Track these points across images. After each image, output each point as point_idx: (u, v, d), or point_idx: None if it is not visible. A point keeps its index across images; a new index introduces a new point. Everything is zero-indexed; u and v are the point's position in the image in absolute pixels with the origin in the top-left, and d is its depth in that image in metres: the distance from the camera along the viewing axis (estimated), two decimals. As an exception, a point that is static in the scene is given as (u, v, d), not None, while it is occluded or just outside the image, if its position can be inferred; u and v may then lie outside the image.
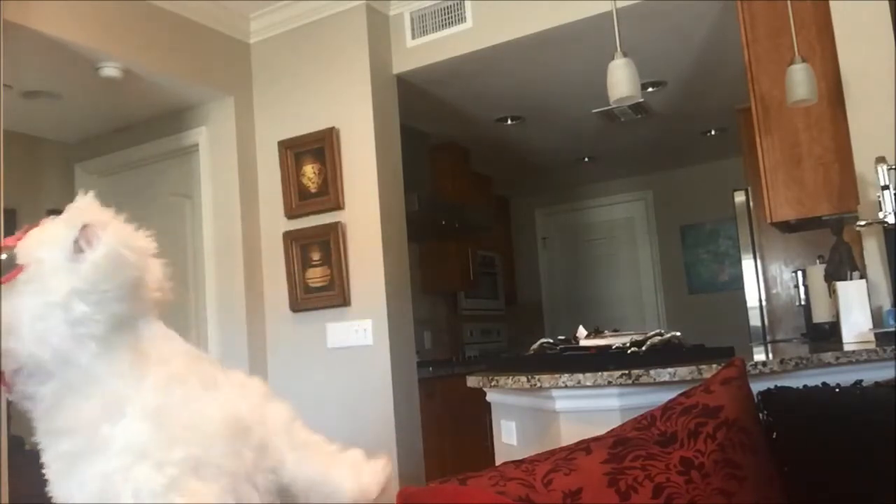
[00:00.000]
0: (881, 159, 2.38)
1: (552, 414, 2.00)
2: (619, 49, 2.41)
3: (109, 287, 0.77)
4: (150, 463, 0.76)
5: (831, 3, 2.77)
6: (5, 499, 2.67)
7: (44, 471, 0.82)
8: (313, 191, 3.76)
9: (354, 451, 0.98)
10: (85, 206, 0.82)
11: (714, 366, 1.80)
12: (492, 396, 2.36)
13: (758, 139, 3.00)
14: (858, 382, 1.73)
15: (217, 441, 0.80)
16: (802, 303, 3.70)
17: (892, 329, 2.31)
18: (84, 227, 0.79)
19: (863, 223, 2.52)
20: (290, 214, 3.80)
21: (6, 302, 0.77)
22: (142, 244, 0.84)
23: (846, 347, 2.21)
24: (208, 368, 0.88)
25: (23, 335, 0.77)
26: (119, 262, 0.78)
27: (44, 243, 0.79)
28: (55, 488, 0.81)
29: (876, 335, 2.34)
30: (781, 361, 1.92)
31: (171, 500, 0.75)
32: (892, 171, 2.37)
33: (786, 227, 3.25)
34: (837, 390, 1.71)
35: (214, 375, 0.87)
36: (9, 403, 2.91)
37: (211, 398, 0.84)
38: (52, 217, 0.81)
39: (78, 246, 0.78)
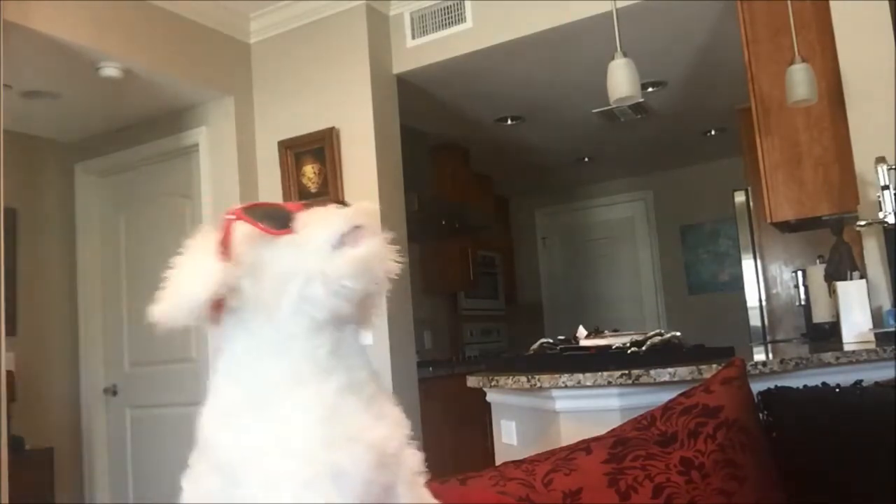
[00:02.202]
0: (881, 159, 2.38)
1: (552, 414, 2.00)
2: (619, 49, 2.42)
3: (349, 285, 0.84)
4: (302, 453, 0.81)
5: (831, 3, 2.77)
6: (5, 499, 2.67)
7: (202, 410, 0.87)
8: (313, 191, 3.76)
9: None
10: (369, 211, 0.89)
11: (714, 366, 1.80)
12: (492, 396, 2.36)
13: (758, 139, 3.01)
14: (858, 382, 1.73)
15: (364, 464, 0.83)
16: (802, 303, 3.71)
17: (892, 329, 2.31)
18: (357, 227, 0.86)
19: (863, 223, 2.52)
20: (290, 214, 3.79)
21: (264, 249, 0.85)
22: (392, 266, 0.89)
23: (846, 347, 2.22)
24: (382, 393, 0.93)
25: (263, 283, 0.85)
26: (367, 268, 0.85)
27: (319, 222, 0.86)
28: (205, 431, 0.87)
29: (876, 335, 2.34)
30: (781, 361, 1.92)
31: (306, 497, 0.78)
32: (892, 171, 2.37)
33: (786, 227, 3.25)
34: (837, 390, 1.70)
35: (383, 402, 0.92)
36: (9, 403, 2.91)
37: (374, 420, 0.88)
38: (338, 205, 0.89)
39: (344, 240, 0.85)
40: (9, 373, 3.58)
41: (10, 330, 3.61)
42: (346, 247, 0.85)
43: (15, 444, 3.24)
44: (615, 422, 1.57)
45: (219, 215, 0.90)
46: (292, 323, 0.86)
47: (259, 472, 0.81)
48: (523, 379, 1.99)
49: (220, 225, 0.88)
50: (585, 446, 1.35)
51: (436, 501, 0.98)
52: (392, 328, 3.55)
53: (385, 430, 0.88)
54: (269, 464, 0.81)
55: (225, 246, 0.86)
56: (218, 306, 0.87)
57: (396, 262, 0.89)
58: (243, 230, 0.87)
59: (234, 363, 0.89)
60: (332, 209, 0.89)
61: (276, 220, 0.87)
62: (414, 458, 0.93)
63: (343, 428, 0.84)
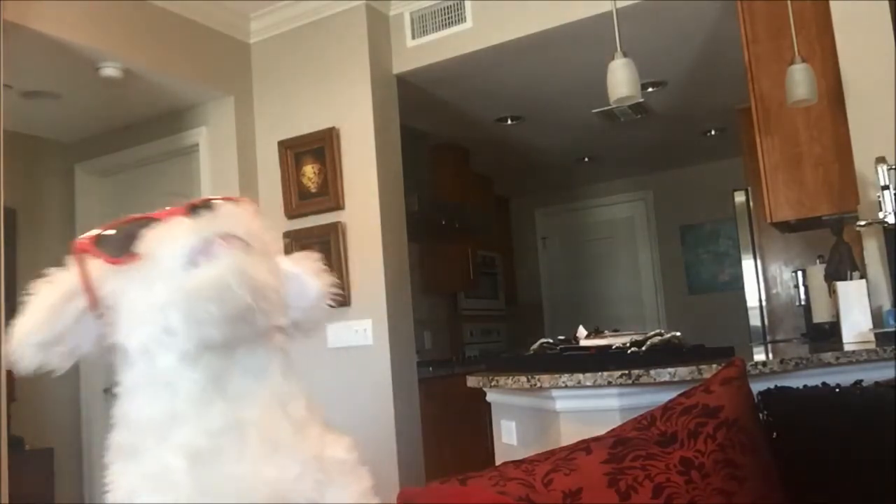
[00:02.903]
0: (881, 159, 2.38)
1: (552, 414, 2.00)
2: (619, 49, 2.41)
3: (210, 310, 0.73)
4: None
5: (831, 3, 2.77)
6: (5, 499, 2.67)
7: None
8: (313, 191, 3.76)
9: None
10: (228, 215, 0.76)
11: (714, 366, 1.80)
12: (492, 396, 2.36)
13: (758, 139, 3.00)
14: (858, 382, 1.73)
15: None
16: (802, 303, 3.70)
17: (892, 329, 2.31)
18: (208, 239, 0.74)
19: (863, 223, 2.52)
20: (290, 214, 3.80)
21: (115, 280, 0.76)
22: (263, 278, 0.75)
23: (846, 347, 2.21)
24: (291, 423, 0.79)
25: (122, 316, 0.77)
26: (226, 289, 0.73)
27: (165, 241, 0.75)
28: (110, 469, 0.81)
29: (876, 335, 2.34)
30: (781, 361, 1.92)
31: None
32: (892, 171, 2.37)
33: (786, 227, 3.25)
34: (837, 390, 1.70)
35: (288, 434, 0.79)
36: (9, 403, 2.91)
37: (265, 459, 0.76)
38: (195, 211, 0.77)
39: (195, 258, 0.74)
40: (9, 373, 3.58)
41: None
42: (200, 265, 0.74)
43: (15, 444, 3.24)
44: (615, 422, 1.57)
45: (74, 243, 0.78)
46: (164, 357, 0.76)
47: None
48: (523, 379, 1.99)
49: (75, 256, 0.78)
50: (585, 446, 1.35)
51: None
52: (392, 328, 3.55)
53: (274, 471, 0.77)
54: None
55: (84, 280, 0.76)
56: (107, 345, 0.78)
57: (262, 275, 0.75)
58: (94, 263, 0.78)
59: (118, 404, 0.82)
60: (180, 222, 0.77)
61: (122, 244, 0.77)
62: (349, 490, 0.83)
63: (220, 474, 0.75)
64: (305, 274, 0.93)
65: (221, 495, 0.73)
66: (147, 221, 0.79)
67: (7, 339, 0.76)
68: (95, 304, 0.77)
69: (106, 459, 0.81)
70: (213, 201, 0.80)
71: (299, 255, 0.93)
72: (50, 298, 0.76)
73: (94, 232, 0.80)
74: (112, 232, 0.79)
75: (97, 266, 0.77)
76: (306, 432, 0.82)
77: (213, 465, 0.75)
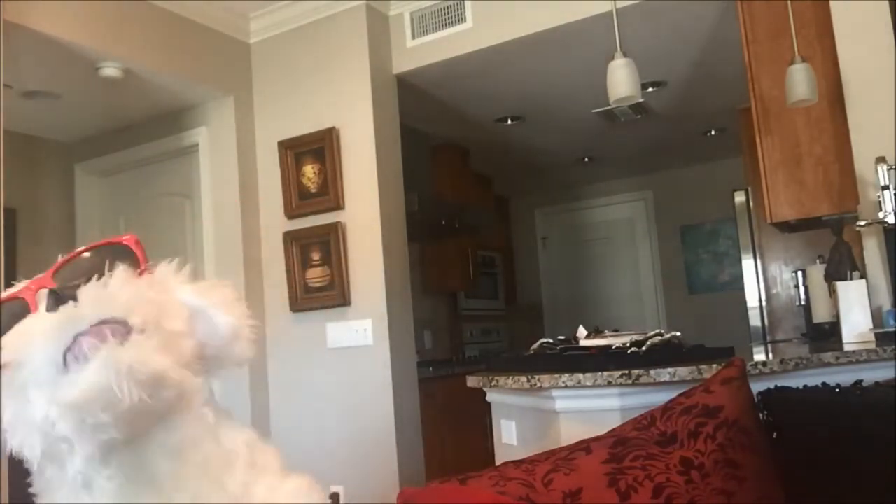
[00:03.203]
0: (881, 159, 2.38)
1: (552, 414, 2.00)
2: (619, 49, 2.42)
3: (98, 419, 0.62)
4: None
5: (831, 3, 2.77)
6: (5, 499, 2.67)
7: None
8: (313, 191, 3.76)
9: None
10: (95, 298, 0.64)
11: (714, 366, 1.80)
12: (492, 396, 2.36)
13: (758, 139, 3.00)
14: (858, 382, 1.73)
15: None
16: (802, 303, 3.71)
17: (892, 329, 2.31)
18: (78, 337, 0.63)
19: (863, 223, 2.52)
20: (290, 214, 3.80)
21: None
22: (153, 365, 0.64)
23: (846, 347, 2.21)
24: (225, 498, 0.71)
25: (7, 428, 0.66)
26: (108, 395, 0.62)
27: (30, 342, 0.64)
28: None
29: (876, 335, 2.34)
30: (781, 361, 1.92)
31: None
32: (892, 171, 2.37)
33: (786, 227, 3.25)
34: (837, 390, 1.70)
35: None
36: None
37: None
38: (56, 298, 0.65)
39: (64, 362, 0.63)
40: (9, 373, 3.58)
41: (10, 330, 3.61)
42: (73, 367, 0.63)
43: (15, 444, 3.23)
44: (615, 422, 1.57)
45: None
46: (69, 462, 0.67)
47: None
48: (523, 379, 1.99)
49: None
50: (585, 446, 1.35)
51: None
52: (392, 328, 3.55)
53: None
54: None
55: None
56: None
57: (165, 347, 0.65)
58: None
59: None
60: (40, 318, 0.66)
61: None
62: None
63: None
64: (212, 308, 0.78)
65: None
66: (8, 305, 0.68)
67: None
68: None
69: None
70: (78, 284, 0.67)
71: (205, 286, 0.79)
72: None
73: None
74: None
75: None
76: (251, 491, 0.73)
77: None
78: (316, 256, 3.71)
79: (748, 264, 4.54)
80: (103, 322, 0.64)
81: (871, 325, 2.40)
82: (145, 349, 0.64)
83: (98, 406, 0.61)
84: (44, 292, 0.68)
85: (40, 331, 0.64)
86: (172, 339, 0.67)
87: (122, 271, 0.68)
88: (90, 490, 0.68)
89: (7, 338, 0.65)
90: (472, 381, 2.31)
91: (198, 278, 0.80)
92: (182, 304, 0.74)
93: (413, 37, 3.87)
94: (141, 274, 0.74)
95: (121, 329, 0.64)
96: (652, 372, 1.86)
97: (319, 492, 0.77)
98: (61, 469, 0.68)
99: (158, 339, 0.66)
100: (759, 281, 4.49)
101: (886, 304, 2.53)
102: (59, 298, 0.66)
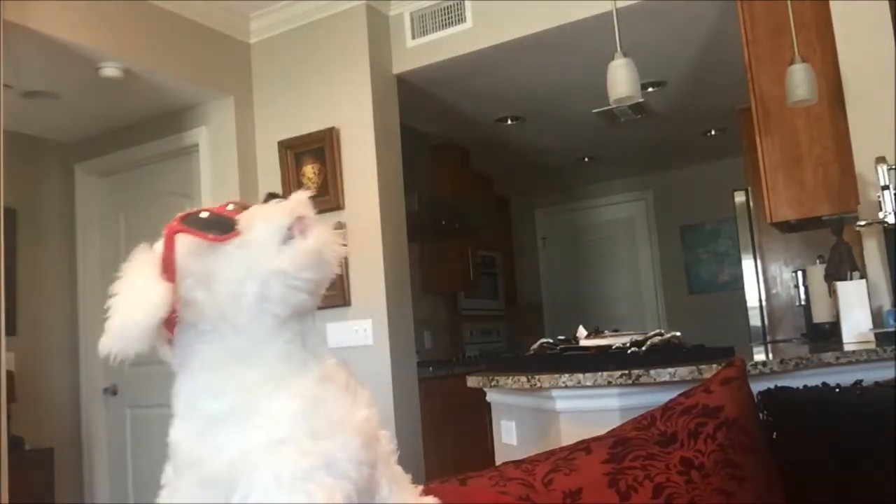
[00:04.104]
0: (881, 159, 2.38)
1: (552, 414, 2.00)
2: (619, 49, 2.42)
3: (307, 277, 0.84)
4: (295, 447, 0.80)
5: (831, 3, 2.77)
6: (5, 499, 2.67)
7: (172, 430, 0.87)
8: (313, 191, 3.75)
9: (430, 498, 1.03)
10: (304, 201, 0.88)
11: (714, 366, 1.80)
12: (492, 396, 2.36)
13: (758, 139, 3.00)
14: (858, 382, 1.73)
15: (352, 448, 0.84)
16: (802, 303, 3.70)
17: (892, 329, 2.31)
18: (300, 217, 0.85)
19: (863, 223, 2.52)
20: (290, 214, 3.79)
21: (212, 258, 0.84)
22: (341, 249, 0.88)
23: (846, 347, 2.22)
24: (352, 377, 0.94)
25: (217, 291, 0.83)
26: (322, 258, 0.85)
27: (263, 219, 0.85)
28: (185, 448, 0.85)
29: (876, 335, 2.34)
30: (781, 361, 1.92)
31: (307, 488, 0.79)
32: (892, 171, 2.37)
33: (786, 227, 3.25)
34: (837, 390, 1.70)
35: (356, 385, 0.93)
36: (9, 403, 2.91)
37: (353, 403, 0.89)
38: (274, 200, 0.89)
39: (290, 233, 0.84)
40: (9, 373, 3.58)
41: (10, 330, 3.61)
42: (293, 240, 0.85)
43: (15, 444, 3.24)
44: (615, 422, 1.57)
45: (160, 230, 0.88)
46: (256, 325, 0.85)
47: (253, 476, 0.80)
48: (523, 379, 1.99)
49: (163, 240, 0.86)
50: (585, 446, 1.35)
51: (407, 475, 0.99)
52: (392, 328, 3.55)
53: (365, 412, 0.89)
54: (262, 465, 0.80)
55: (168, 263, 0.84)
56: (170, 323, 0.84)
57: (343, 245, 0.89)
58: (185, 242, 0.86)
59: (203, 377, 0.87)
60: (270, 205, 0.89)
61: (219, 225, 0.85)
62: (386, 438, 0.95)
63: (327, 417, 0.85)
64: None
65: (335, 437, 0.83)
66: (223, 213, 0.89)
67: (106, 327, 0.80)
68: (175, 282, 0.84)
69: (188, 431, 0.85)
70: (277, 192, 0.93)
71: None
72: (148, 284, 0.83)
73: (183, 213, 0.88)
74: (205, 214, 0.87)
75: (192, 245, 0.85)
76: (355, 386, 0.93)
77: (321, 412, 0.85)
78: (316, 256, 3.70)
79: (748, 264, 4.54)
80: (310, 216, 0.87)
81: (871, 325, 2.40)
82: (336, 237, 0.87)
83: (311, 267, 0.83)
84: (263, 194, 0.92)
85: (273, 212, 0.86)
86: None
87: (306, 197, 0.90)
88: (264, 357, 0.85)
89: (243, 215, 0.86)
90: (472, 381, 2.31)
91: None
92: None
93: (413, 37, 3.87)
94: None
95: (323, 223, 0.87)
96: (652, 372, 1.86)
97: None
98: (239, 337, 0.84)
99: (336, 238, 0.89)
100: (759, 281, 4.49)
101: (886, 304, 2.53)
102: (272, 195, 0.90)
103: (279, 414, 0.83)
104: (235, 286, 0.84)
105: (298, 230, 0.85)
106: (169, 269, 0.84)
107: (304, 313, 0.89)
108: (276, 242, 0.84)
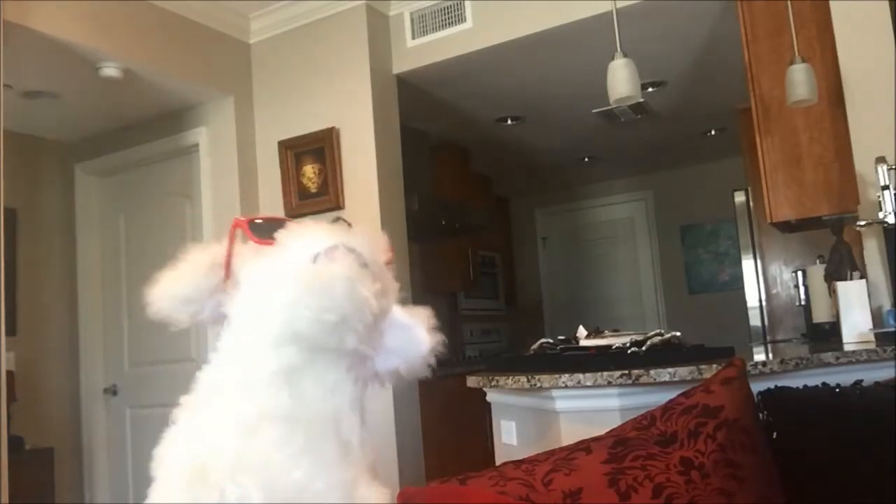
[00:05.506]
0: (881, 159, 2.38)
1: (552, 414, 2.00)
2: (619, 49, 2.41)
3: (306, 305, 0.81)
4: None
5: (831, 3, 2.77)
6: (5, 499, 2.67)
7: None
8: (313, 191, 3.76)
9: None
10: (358, 236, 0.88)
11: (714, 366, 1.80)
12: (492, 396, 2.36)
13: (758, 139, 3.00)
14: (858, 382, 1.73)
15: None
16: (802, 303, 3.70)
17: (892, 329, 2.31)
18: (334, 246, 0.85)
19: (863, 223, 2.52)
20: (290, 214, 3.79)
21: (251, 259, 0.88)
22: (366, 296, 0.84)
23: (846, 347, 2.21)
24: (333, 448, 0.91)
25: (238, 291, 0.89)
26: (328, 290, 0.82)
27: (299, 236, 0.88)
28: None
29: (876, 335, 2.34)
30: (781, 361, 1.92)
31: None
32: (892, 171, 2.37)
33: (786, 227, 3.25)
34: (837, 390, 1.70)
35: (334, 457, 0.91)
36: (9, 403, 2.91)
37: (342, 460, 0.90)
38: (339, 221, 0.92)
39: (317, 256, 0.85)
40: (9, 373, 3.58)
41: (10, 330, 3.61)
42: (319, 262, 0.86)
43: (15, 444, 3.24)
44: (615, 422, 1.57)
45: (227, 220, 0.95)
46: (252, 336, 0.87)
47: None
48: (523, 379, 1.99)
49: (229, 232, 0.92)
50: (585, 446, 1.35)
51: None
52: (392, 328, 3.55)
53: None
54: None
55: (230, 254, 0.91)
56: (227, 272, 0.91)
57: (368, 292, 0.85)
58: (241, 238, 0.92)
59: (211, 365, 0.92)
60: (317, 226, 0.91)
61: (265, 230, 0.90)
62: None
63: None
64: (419, 327, 0.99)
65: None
66: (281, 220, 0.94)
67: (151, 292, 0.89)
68: (228, 276, 0.90)
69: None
70: (353, 225, 0.96)
71: (415, 309, 1.01)
72: (201, 262, 0.89)
73: (248, 216, 0.94)
74: (260, 220, 0.93)
75: (242, 244, 0.91)
76: (348, 459, 0.88)
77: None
78: (316, 256, 3.70)
79: (748, 264, 4.54)
80: (353, 251, 0.87)
81: (871, 325, 2.40)
82: (370, 286, 0.85)
83: (316, 293, 0.81)
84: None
85: (312, 231, 0.88)
86: (381, 302, 0.88)
87: (386, 244, 0.95)
88: (249, 364, 0.87)
89: (289, 227, 0.90)
90: (472, 381, 2.31)
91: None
92: (393, 280, 0.96)
93: (413, 37, 3.87)
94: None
95: (361, 262, 0.87)
96: (652, 372, 1.86)
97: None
98: (238, 341, 0.86)
99: (377, 291, 0.86)
100: (759, 281, 4.49)
101: (886, 304, 2.53)
102: (336, 221, 0.98)
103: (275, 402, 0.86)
104: (252, 290, 0.87)
105: (327, 257, 0.87)
106: (230, 259, 0.90)
107: (303, 350, 0.87)
108: (300, 260, 0.86)
